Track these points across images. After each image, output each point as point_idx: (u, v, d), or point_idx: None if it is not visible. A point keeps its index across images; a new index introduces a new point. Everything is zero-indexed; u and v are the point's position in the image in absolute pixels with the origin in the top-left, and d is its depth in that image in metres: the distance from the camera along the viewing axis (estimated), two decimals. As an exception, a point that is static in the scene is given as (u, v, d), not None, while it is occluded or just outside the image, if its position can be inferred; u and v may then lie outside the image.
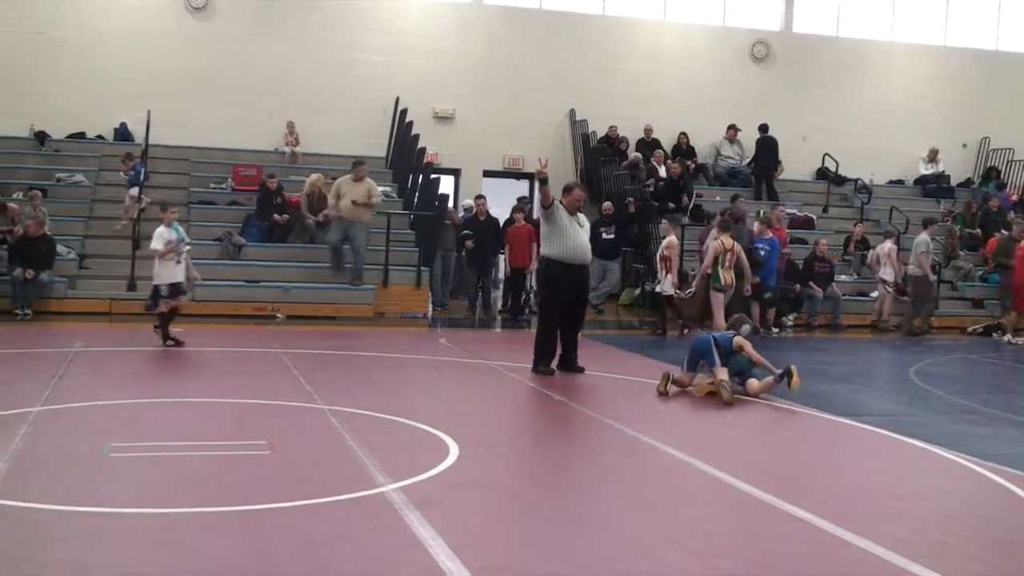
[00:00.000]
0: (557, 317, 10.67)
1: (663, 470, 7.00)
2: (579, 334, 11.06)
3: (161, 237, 11.82)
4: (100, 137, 19.50)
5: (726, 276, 14.24)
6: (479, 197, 17.33)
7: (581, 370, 10.74)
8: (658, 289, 15.56)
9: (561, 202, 10.71)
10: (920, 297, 17.30)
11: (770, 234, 16.12)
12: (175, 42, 19.79)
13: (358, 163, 16.43)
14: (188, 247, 12.19)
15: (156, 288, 11.84)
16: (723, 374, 9.53)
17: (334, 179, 18.66)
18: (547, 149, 21.21)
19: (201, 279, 12.87)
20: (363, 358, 12.05)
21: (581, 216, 10.80)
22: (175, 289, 11.83)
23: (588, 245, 10.79)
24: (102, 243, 16.66)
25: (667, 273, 15.01)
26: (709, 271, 14.26)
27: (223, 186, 18.41)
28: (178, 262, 11.88)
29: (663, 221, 16.12)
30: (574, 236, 10.53)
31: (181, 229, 12.23)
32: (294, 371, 10.33)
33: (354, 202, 15.89)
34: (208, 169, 18.79)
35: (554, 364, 10.66)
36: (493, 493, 6.18)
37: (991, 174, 23.05)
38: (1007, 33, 24.11)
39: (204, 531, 5.16)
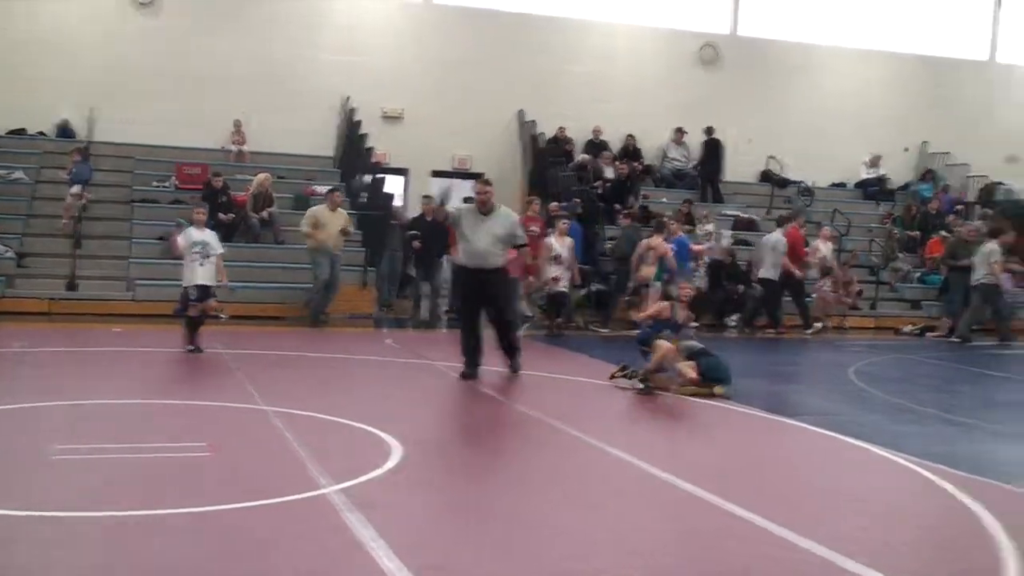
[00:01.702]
0: (467, 319, 10.55)
1: (605, 470, 7.04)
2: (512, 336, 10.75)
3: (185, 237, 11.58)
4: (41, 134, 19.14)
5: (646, 271, 14.97)
6: (426, 196, 17.27)
7: (514, 371, 10.67)
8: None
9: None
10: (994, 304, 17.45)
11: (680, 234, 16.20)
12: (120, 38, 19.48)
13: (333, 190, 16.07)
14: (218, 252, 11.75)
15: (184, 291, 11.57)
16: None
17: (281, 178, 18.60)
18: (496, 149, 21.32)
19: (227, 283, 12.16)
20: (307, 359, 11.97)
21: (495, 215, 10.26)
22: (203, 292, 11.51)
23: (488, 250, 10.18)
24: (42, 241, 16.40)
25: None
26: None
27: (167, 184, 18.18)
28: (201, 264, 11.57)
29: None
30: (471, 240, 10.19)
31: (207, 234, 11.79)
32: (237, 372, 10.24)
33: (343, 231, 15.56)
34: (152, 167, 18.55)
35: (478, 366, 10.44)
36: (435, 494, 6.18)
37: (927, 176, 23.48)
38: (947, 39, 24.55)
39: (144, 534, 5.10)
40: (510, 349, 10.72)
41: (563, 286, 15.41)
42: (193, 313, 11.46)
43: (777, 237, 17.24)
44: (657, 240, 15.23)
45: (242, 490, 5.88)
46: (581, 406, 9.44)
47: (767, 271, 17.08)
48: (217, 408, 8.41)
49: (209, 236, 11.72)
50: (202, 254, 11.53)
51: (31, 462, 6.42)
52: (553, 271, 15.14)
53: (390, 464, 6.60)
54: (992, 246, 17.43)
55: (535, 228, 15.80)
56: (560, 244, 15.22)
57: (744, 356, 13.90)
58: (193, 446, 6.92)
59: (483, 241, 10.14)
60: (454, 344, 14.07)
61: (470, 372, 10.35)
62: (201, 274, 11.53)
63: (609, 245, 17.95)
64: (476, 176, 21.37)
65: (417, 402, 9.37)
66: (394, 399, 9.39)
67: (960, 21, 24.81)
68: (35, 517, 5.25)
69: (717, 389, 9.90)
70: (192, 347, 11.40)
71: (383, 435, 7.41)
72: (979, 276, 17.24)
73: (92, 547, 4.89)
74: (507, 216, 10.38)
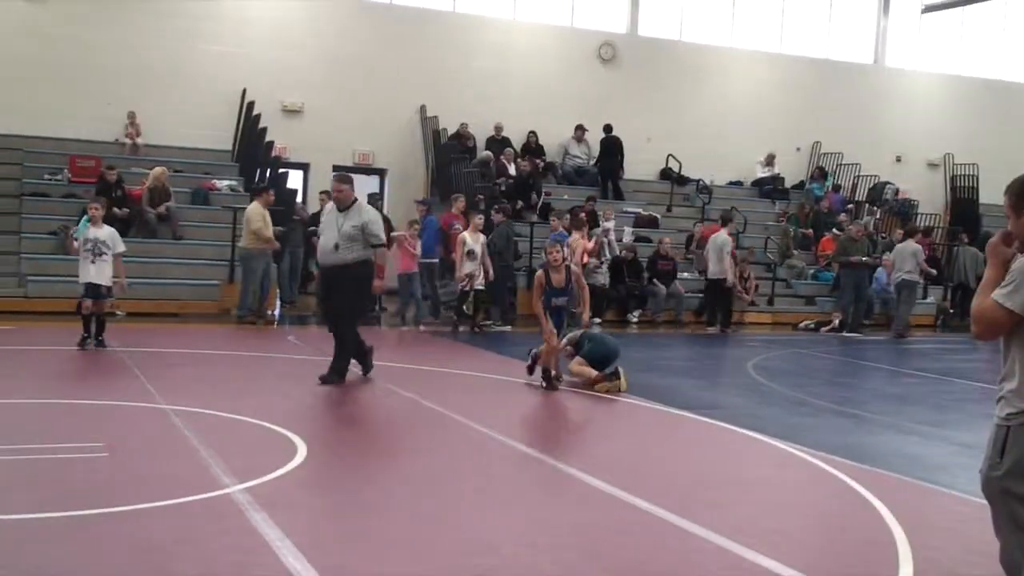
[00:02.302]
0: (327, 318, 10.26)
1: (509, 465, 7.09)
2: (347, 336, 9.96)
3: (80, 234, 11.25)
4: (-78, 124, 18.39)
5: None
6: (324, 192, 17.06)
7: (327, 381, 9.78)
8: None
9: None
10: (909, 300, 18.33)
11: (560, 229, 16.36)
12: (6, 26, 18.81)
13: (267, 188, 15.75)
14: (116, 251, 11.32)
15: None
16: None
17: (178, 171, 18.18)
18: (398, 145, 21.24)
19: (124, 284, 11.72)
20: (208, 356, 11.75)
21: (351, 212, 9.76)
22: (94, 290, 11.13)
23: (335, 247, 9.70)
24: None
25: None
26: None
27: (59, 177, 17.63)
28: (93, 262, 11.16)
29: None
30: (323, 237, 9.92)
31: (104, 231, 11.32)
32: (135, 370, 10.01)
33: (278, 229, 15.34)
34: (43, 160, 17.95)
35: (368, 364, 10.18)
36: (340, 492, 6.14)
37: (816, 174, 24.16)
38: (838, 43, 25.31)
39: (35, 538, 4.96)
40: (338, 356, 9.93)
41: (480, 283, 15.30)
42: (84, 311, 11.15)
43: (724, 237, 17.55)
44: (575, 237, 15.49)
45: (142, 491, 5.76)
46: (488, 403, 9.48)
47: (716, 271, 17.34)
48: (114, 407, 8.21)
49: (105, 233, 11.37)
50: (94, 252, 11.18)
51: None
52: (468, 267, 15.00)
53: (294, 462, 6.54)
54: (916, 246, 18.41)
55: (459, 226, 15.83)
56: (474, 240, 15.12)
57: (645, 352, 14.12)
58: (89, 446, 6.74)
59: (332, 238, 9.73)
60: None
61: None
62: (93, 272, 11.19)
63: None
64: (379, 172, 21.44)
65: (321, 400, 9.29)
66: (297, 397, 9.28)
67: (848, 26, 25.61)
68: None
69: (623, 384, 10.06)
70: (86, 335, 11.13)
71: (287, 433, 7.34)
72: (900, 273, 18.12)
73: (-16, 552, 4.73)
74: (360, 213, 9.82)
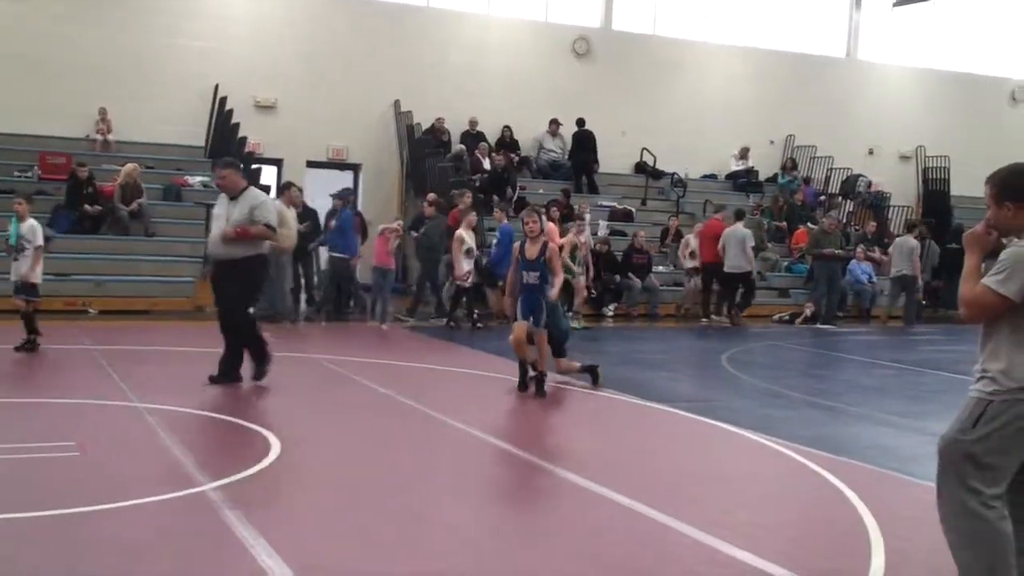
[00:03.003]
0: (218, 315, 9.54)
1: (487, 462, 7.09)
2: (244, 336, 9.37)
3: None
4: None
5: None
6: (291, 185, 16.87)
7: (215, 381, 9.26)
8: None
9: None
10: (910, 293, 18.91)
11: (505, 221, 16.37)
12: (-26, 21, 18.61)
13: (290, 185, 15.48)
14: (36, 244, 10.93)
15: None
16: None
17: (150, 168, 18.05)
18: (372, 140, 21.16)
19: (30, 280, 11.09)
20: (181, 354, 11.67)
21: (240, 199, 9.14)
22: (19, 287, 10.95)
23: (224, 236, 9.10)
24: None
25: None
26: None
27: (28, 174, 17.45)
28: (15, 259, 10.95)
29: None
30: (212, 226, 9.36)
31: (25, 226, 10.94)
32: (107, 368, 9.93)
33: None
34: (12, 156, 17.78)
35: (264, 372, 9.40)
36: (316, 490, 6.11)
37: (787, 166, 24.28)
38: (810, 37, 25.42)
39: (4, 538, 4.91)
40: (235, 349, 9.37)
41: (476, 279, 15.32)
42: (19, 308, 10.99)
43: (744, 231, 17.92)
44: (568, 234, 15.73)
45: (114, 490, 5.71)
46: (465, 399, 9.47)
47: (737, 264, 17.70)
48: (86, 406, 8.14)
49: (26, 227, 11.13)
50: (16, 248, 11.01)
51: None
52: (466, 265, 14.86)
53: (268, 460, 6.51)
54: (914, 241, 18.87)
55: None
56: (470, 237, 15.05)
57: (619, 344, 14.16)
58: (61, 445, 6.68)
59: (217, 227, 9.16)
60: (332, 337, 13.98)
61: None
62: (14, 268, 11.06)
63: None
64: (352, 167, 21.35)
65: (295, 397, 9.24)
66: (271, 394, 9.23)
67: (820, 20, 25.72)
68: None
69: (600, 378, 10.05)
70: (21, 342, 10.82)
71: (261, 430, 7.30)
72: (899, 268, 18.65)
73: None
74: (248, 199, 9.15)
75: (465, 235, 14.90)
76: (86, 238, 16.14)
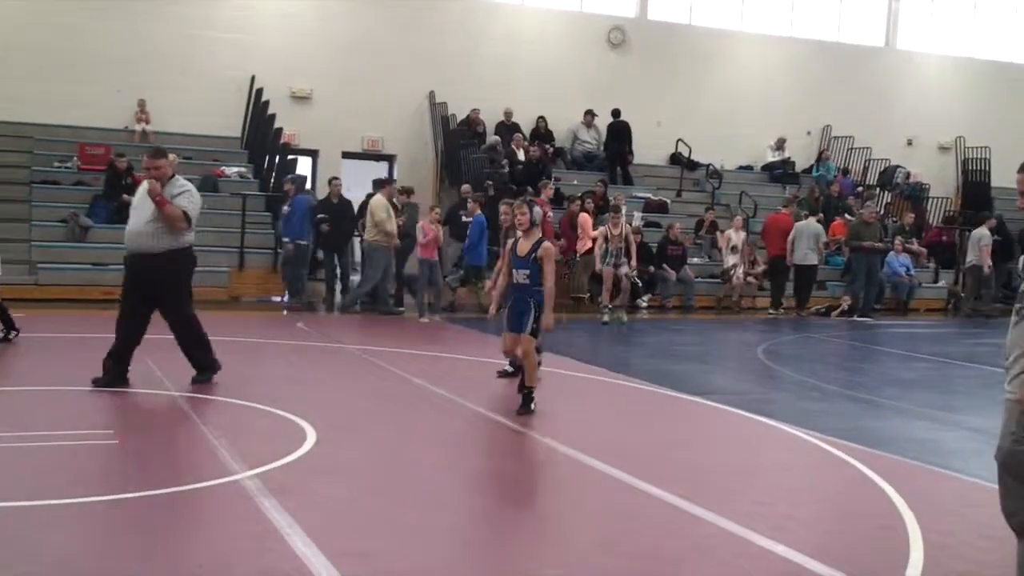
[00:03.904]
0: (124, 311, 8.56)
1: (518, 450, 7.09)
2: (196, 337, 8.76)
3: None
4: (-67, 113, 18.42)
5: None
6: (334, 179, 17.07)
7: (201, 380, 8.69)
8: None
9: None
10: (979, 284, 19.26)
11: (478, 211, 16.30)
12: (19, 15, 18.79)
13: (389, 180, 15.65)
14: None
15: None
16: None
17: (187, 159, 18.18)
18: (407, 131, 21.18)
19: None
20: (217, 343, 11.70)
21: (167, 188, 8.42)
22: None
23: (147, 229, 8.35)
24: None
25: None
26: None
27: (68, 165, 17.66)
28: None
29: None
30: (132, 219, 8.55)
31: None
32: (144, 357, 9.99)
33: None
34: (52, 147, 17.98)
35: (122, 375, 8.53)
36: (350, 478, 6.14)
37: (821, 158, 24.07)
38: (848, 25, 25.16)
39: (46, 526, 4.97)
40: (196, 352, 8.78)
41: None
42: None
43: (817, 226, 18.36)
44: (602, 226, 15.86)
45: (152, 478, 5.77)
46: (497, 390, 9.47)
47: (805, 256, 18.04)
48: (125, 394, 8.22)
49: None
50: None
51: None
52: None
53: (305, 449, 6.55)
54: (983, 231, 19.05)
55: (548, 213, 15.81)
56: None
57: (653, 336, 14.11)
58: (100, 433, 6.76)
59: (142, 218, 8.37)
60: (366, 327, 14.03)
61: (106, 380, 8.35)
62: None
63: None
64: (387, 158, 21.39)
65: (330, 386, 9.29)
66: (307, 383, 9.29)
67: (858, 8, 25.43)
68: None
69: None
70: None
71: (297, 419, 7.35)
72: (970, 259, 19.03)
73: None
74: (174, 186, 8.49)
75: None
76: (124, 228, 16.25)
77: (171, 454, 6.41)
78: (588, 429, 8.04)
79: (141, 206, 8.43)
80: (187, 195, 8.48)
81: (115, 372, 8.40)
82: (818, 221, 19.15)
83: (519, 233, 8.33)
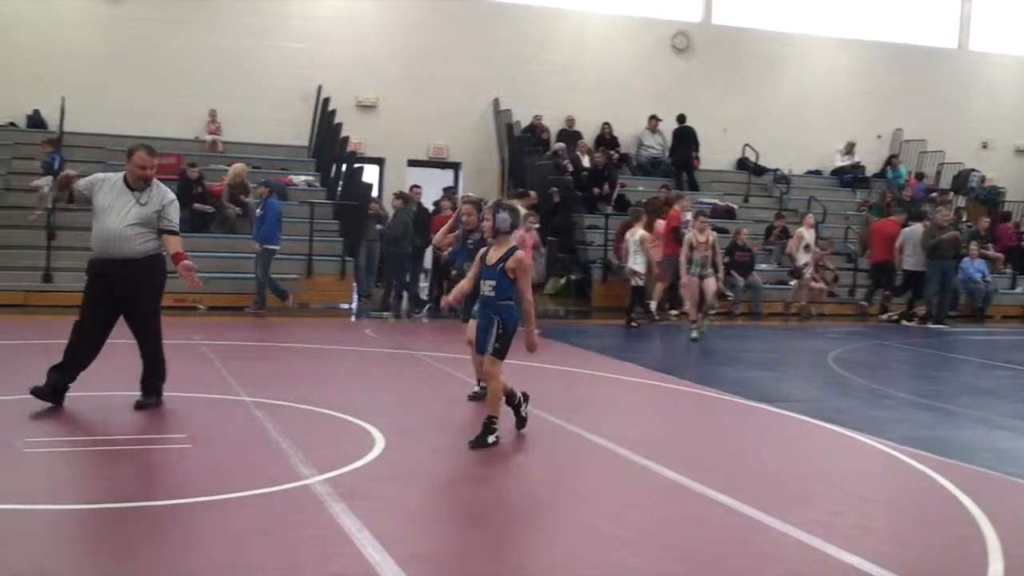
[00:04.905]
0: (85, 326, 7.87)
1: (586, 457, 7.05)
2: (156, 355, 8.01)
3: None
4: (12, 124, 18.95)
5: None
6: (415, 186, 17.26)
7: (144, 405, 7.86)
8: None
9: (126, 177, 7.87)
10: None
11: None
12: (89, 28, 19.31)
13: (527, 191, 16.01)
14: None
15: None
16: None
17: (256, 167, 18.47)
18: (471, 138, 21.30)
19: None
20: (287, 349, 11.92)
21: (150, 191, 7.83)
22: None
23: (128, 232, 7.66)
24: (17, 233, 16.22)
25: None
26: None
27: (141, 175, 18.00)
28: None
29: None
30: (107, 220, 7.68)
31: None
32: (216, 363, 10.18)
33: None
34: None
35: (64, 388, 7.88)
36: (419, 483, 6.17)
37: (892, 162, 23.65)
38: (918, 27, 24.71)
39: (121, 527, 5.07)
40: (151, 372, 8.00)
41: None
42: None
43: (922, 231, 18.12)
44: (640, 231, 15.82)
45: (224, 482, 5.84)
46: (564, 395, 9.45)
47: (916, 262, 17.93)
48: (197, 399, 8.35)
49: None
50: None
51: (1, 455, 6.33)
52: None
53: (374, 454, 6.59)
54: None
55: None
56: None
57: (721, 343, 13.96)
58: (173, 437, 6.88)
59: (120, 220, 7.66)
60: (434, 334, 14.08)
61: (47, 391, 7.73)
62: None
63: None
64: (453, 166, 21.50)
65: (398, 392, 9.35)
66: (375, 389, 9.36)
67: (930, 10, 24.97)
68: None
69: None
70: None
71: (365, 425, 7.40)
72: None
73: (61, 542, 4.83)
74: (160, 193, 7.91)
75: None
76: (195, 236, 16.55)
77: (242, 458, 6.49)
78: (655, 435, 7.98)
79: (116, 206, 7.69)
80: (174, 205, 7.98)
81: (57, 387, 7.75)
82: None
83: (489, 240, 7.37)
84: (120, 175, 7.93)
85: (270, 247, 15.13)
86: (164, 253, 7.96)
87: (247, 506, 5.43)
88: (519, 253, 7.14)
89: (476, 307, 7.71)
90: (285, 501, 5.54)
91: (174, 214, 7.94)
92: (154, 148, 8.05)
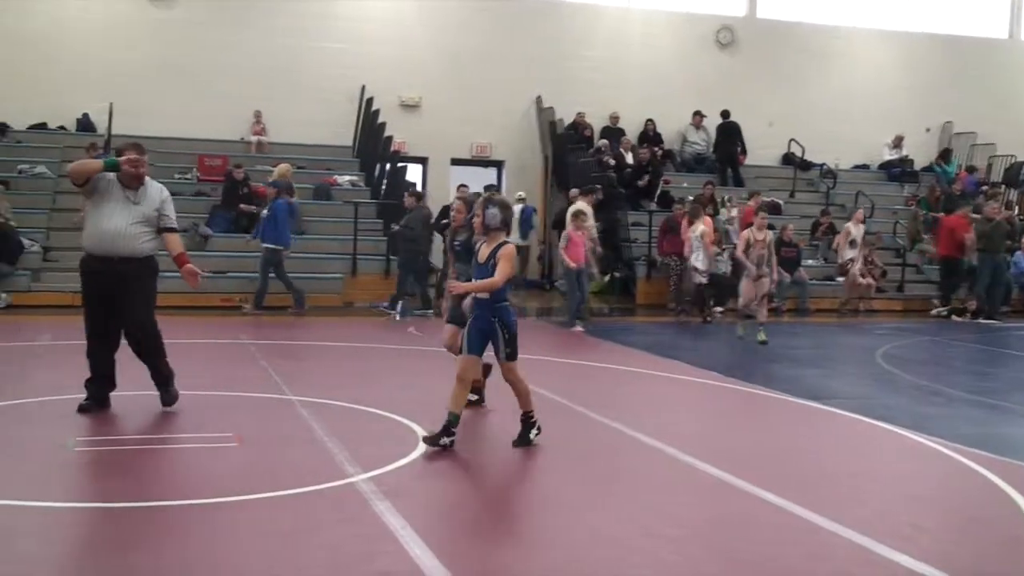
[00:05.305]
0: (95, 329, 7.77)
1: (632, 456, 7.01)
2: (159, 355, 7.84)
3: None
4: (62, 128, 19.25)
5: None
6: (462, 186, 17.23)
7: (168, 403, 7.86)
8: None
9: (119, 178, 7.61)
10: None
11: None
12: (136, 31, 19.55)
13: (592, 189, 16.11)
14: None
15: None
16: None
17: (301, 168, 18.58)
18: (514, 136, 21.28)
19: None
20: (332, 348, 11.98)
21: (148, 189, 7.69)
22: None
23: (132, 231, 7.51)
24: (67, 235, 16.41)
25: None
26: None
27: (188, 176, 18.23)
28: None
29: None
30: (108, 218, 7.50)
31: None
32: (262, 362, 10.26)
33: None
34: (172, 159, 18.59)
35: (102, 390, 7.81)
36: (463, 482, 6.17)
37: (944, 156, 23.29)
38: (967, 18, 24.30)
39: (167, 525, 5.12)
40: (156, 374, 7.89)
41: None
42: None
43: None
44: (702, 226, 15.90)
45: (269, 480, 5.88)
46: (610, 393, 9.41)
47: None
48: (243, 398, 8.42)
49: None
50: None
51: (50, 454, 6.41)
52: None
53: (418, 452, 6.60)
54: None
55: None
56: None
57: (772, 340, 13.82)
58: (219, 436, 6.93)
59: (123, 219, 7.51)
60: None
61: (86, 404, 7.67)
62: None
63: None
64: (496, 164, 21.50)
65: (443, 391, 9.31)
66: (419, 388, 9.36)
67: (979, 1, 24.54)
68: (40, 508, 5.28)
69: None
70: None
71: (410, 424, 7.41)
72: None
73: (109, 540, 4.88)
74: (156, 191, 7.77)
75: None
76: (242, 237, 16.73)
77: (288, 457, 6.53)
78: (701, 433, 7.91)
79: (113, 205, 7.52)
80: (171, 202, 7.86)
81: (98, 397, 7.72)
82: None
83: (480, 237, 7.12)
84: (115, 174, 7.69)
85: (273, 247, 14.99)
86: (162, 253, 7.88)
87: (292, 503, 5.46)
88: (509, 247, 6.89)
89: (454, 310, 7.81)
90: (330, 499, 5.56)
91: (172, 211, 7.85)
92: (143, 146, 7.82)
